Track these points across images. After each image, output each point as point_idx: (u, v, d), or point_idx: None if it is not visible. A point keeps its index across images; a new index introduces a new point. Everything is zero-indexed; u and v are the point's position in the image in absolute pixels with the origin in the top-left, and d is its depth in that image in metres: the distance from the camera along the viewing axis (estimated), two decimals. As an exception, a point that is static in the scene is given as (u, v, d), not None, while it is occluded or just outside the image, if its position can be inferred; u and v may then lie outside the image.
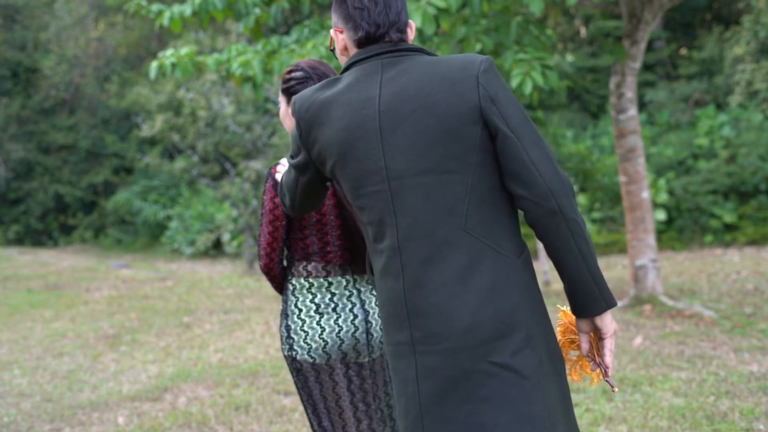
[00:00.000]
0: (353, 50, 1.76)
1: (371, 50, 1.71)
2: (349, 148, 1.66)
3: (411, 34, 1.77)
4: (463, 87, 1.61)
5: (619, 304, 6.76)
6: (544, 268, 9.15)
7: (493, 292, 1.60)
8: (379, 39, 1.72)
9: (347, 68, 1.74)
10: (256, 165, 13.23)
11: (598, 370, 1.78)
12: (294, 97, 1.84)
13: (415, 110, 1.62)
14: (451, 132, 1.60)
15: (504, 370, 1.58)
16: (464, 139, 1.60)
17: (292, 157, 1.84)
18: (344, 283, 2.25)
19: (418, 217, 1.62)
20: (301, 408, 4.27)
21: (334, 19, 1.78)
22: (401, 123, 1.62)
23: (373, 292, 2.28)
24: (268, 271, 2.29)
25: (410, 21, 1.78)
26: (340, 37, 1.77)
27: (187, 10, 5.74)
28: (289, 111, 2.21)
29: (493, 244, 1.62)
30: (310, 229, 2.24)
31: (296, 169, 1.83)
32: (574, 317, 1.79)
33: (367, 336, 2.25)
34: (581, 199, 13.29)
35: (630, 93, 6.67)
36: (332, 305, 2.23)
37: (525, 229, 13.62)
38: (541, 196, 1.57)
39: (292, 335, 2.24)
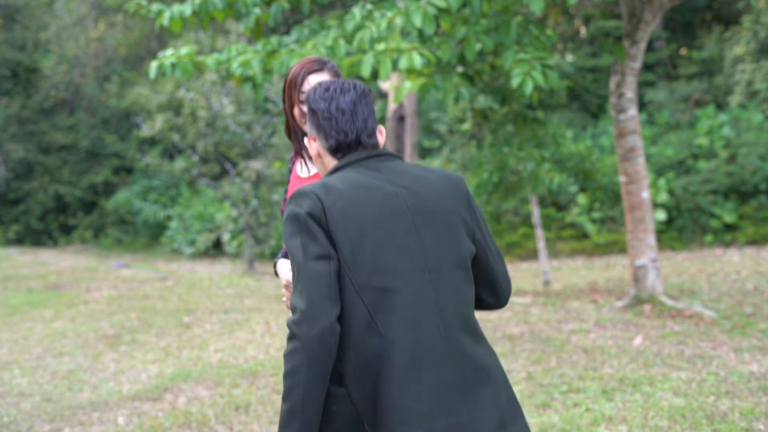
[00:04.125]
0: (327, 157, 1.87)
1: (353, 157, 1.82)
2: (382, 238, 1.72)
3: (381, 138, 1.89)
4: (462, 203, 1.84)
5: (619, 304, 6.76)
6: (544, 267, 9.13)
7: (502, 390, 1.80)
8: (350, 145, 1.83)
9: (333, 172, 1.83)
10: (256, 165, 13.23)
11: None
12: (295, 193, 1.76)
13: (435, 210, 1.78)
14: (463, 235, 1.82)
15: None
16: (468, 243, 1.83)
17: (313, 251, 1.70)
18: None
19: (453, 309, 1.76)
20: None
21: (308, 128, 1.89)
22: (429, 221, 1.78)
23: None
24: None
25: (380, 126, 1.92)
26: (313, 145, 1.89)
27: (187, 10, 5.75)
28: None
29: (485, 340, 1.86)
30: None
31: (319, 257, 1.70)
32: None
33: None
34: (581, 199, 13.29)
35: (630, 93, 6.67)
36: None
37: (525, 230, 13.63)
38: (503, 302, 1.95)
39: None
